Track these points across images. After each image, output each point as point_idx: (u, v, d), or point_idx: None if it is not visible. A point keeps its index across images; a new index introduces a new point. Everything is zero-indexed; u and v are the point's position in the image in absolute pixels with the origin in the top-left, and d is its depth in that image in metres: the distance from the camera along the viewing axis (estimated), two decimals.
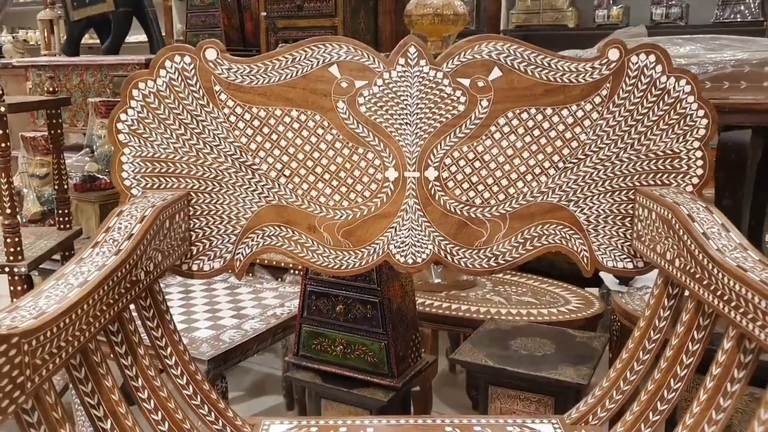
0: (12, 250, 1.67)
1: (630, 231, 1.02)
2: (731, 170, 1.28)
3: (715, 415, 0.78)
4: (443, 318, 1.73)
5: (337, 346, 1.45)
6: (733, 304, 0.74)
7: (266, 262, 2.11)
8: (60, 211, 2.01)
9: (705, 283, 0.80)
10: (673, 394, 0.88)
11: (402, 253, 1.05)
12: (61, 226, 2.01)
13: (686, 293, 0.90)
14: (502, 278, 1.98)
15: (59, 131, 1.96)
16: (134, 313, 0.88)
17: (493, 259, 1.04)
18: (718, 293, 0.77)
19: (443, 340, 2.23)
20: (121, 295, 0.79)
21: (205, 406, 0.97)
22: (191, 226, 1.03)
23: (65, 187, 2.01)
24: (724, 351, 0.78)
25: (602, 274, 1.86)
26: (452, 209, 1.03)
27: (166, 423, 0.86)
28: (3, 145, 1.63)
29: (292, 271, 2.06)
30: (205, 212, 1.03)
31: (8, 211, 1.67)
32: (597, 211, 1.02)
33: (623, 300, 1.53)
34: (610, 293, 1.77)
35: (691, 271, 0.84)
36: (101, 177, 2.80)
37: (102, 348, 0.79)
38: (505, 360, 1.27)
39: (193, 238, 1.04)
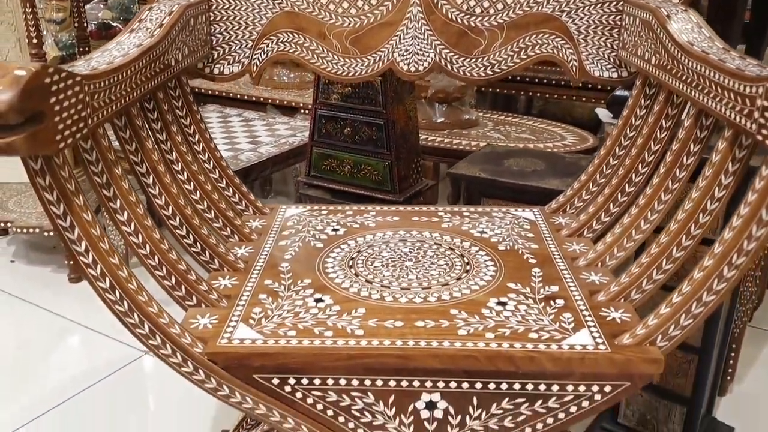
0: None
1: (617, 41, 1.10)
2: None
3: (671, 184, 0.90)
4: (445, 151, 1.85)
5: (345, 166, 1.58)
6: (694, 84, 0.84)
7: (278, 102, 2.21)
8: (81, 49, 2.08)
9: (674, 72, 0.89)
10: (640, 177, 1.00)
11: (405, 61, 1.14)
12: None
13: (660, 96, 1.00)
14: (503, 119, 2.08)
15: None
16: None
17: (489, 67, 1.14)
18: (684, 77, 0.86)
19: (444, 185, 2.37)
20: (156, 73, 0.90)
21: (230, 189, 1.10)
22: (212, 30, 1.12)
23: (85, 25, 2.07)
24: (684, 128, 0.89)
25: (598, 110, 1.94)
26: (453, 18, 1.11)
27: (198, 192, 1.00)
28: None
29: (302, 111, 2.16)
30: (224, 18, 1.12)
31: (35, 41, 1.75)
32: (587, 21, 1.10)
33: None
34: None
35: (664, 64, 0.93)
36: (115, 24, 2.84)
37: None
38: (497, 173, 1.40)
39: (213, 42, 1.13)
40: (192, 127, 1.05)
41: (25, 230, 2.08)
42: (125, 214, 0.79)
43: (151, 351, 0.74)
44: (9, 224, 2.11)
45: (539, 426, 0.76)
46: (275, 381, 0.76)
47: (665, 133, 0.97)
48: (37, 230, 2.07)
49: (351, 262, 0.95)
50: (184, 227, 0.91)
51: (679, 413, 1.34)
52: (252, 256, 0.98)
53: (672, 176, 0.89)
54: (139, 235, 0.80)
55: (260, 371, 0.75)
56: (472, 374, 0.74)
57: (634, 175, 1.00)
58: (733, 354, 1.56)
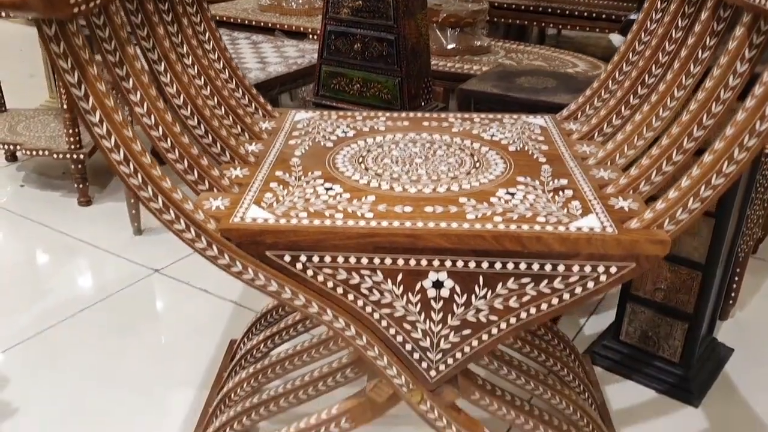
0: None
1: None
2: None
3: (685, 80, 0.89)
4: (455, 76, 1.83)
5: (355, 84, 1.57)
6: None
7: (286, 27, 2.18)
8: None
9: None
10: (654, 79, 0.99)
11: None
12: None
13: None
14: (515, 47, 2.05)
15: None
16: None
17: None
18: None
19: None
20: None
21: (240, 90, 1.10)
22: None
23: None
24: (700, 21, 0.88)
25: (611, 36, 1.92)
26: None
27: (208, 88, 1.00)
28: None
29: (310, 36, 2.14)
30: None
31: None
32: None
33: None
34: None
35: None
36: None
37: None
38: (509, 89, 1.39)
39: None
40: (202, 25, 1.04)
41: (34, 152, 2.09)
42: (138, 94, 0.80)
43: (165, 225, 0.76)
44: (19, 146, 2.12)
45: (543, 306, 0.78)
46: (287, 258, 0.77)
47: (680, 33, 0.96)
48: (46, 152, 2.08)
49: (361, 159, 0.95)
50: (195, 117, 0.91)
51: (681, 330, 1.36)
52: (262, 152, 0.98)
53: (686, 71, 0.89)
54: (152, 116, 0.80)
55: (272, 248, 0.77)
56: (479, 253, 0.75)
57: (647, 76, 0.99)
58: (736, 278, 1.57)
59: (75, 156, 2.05)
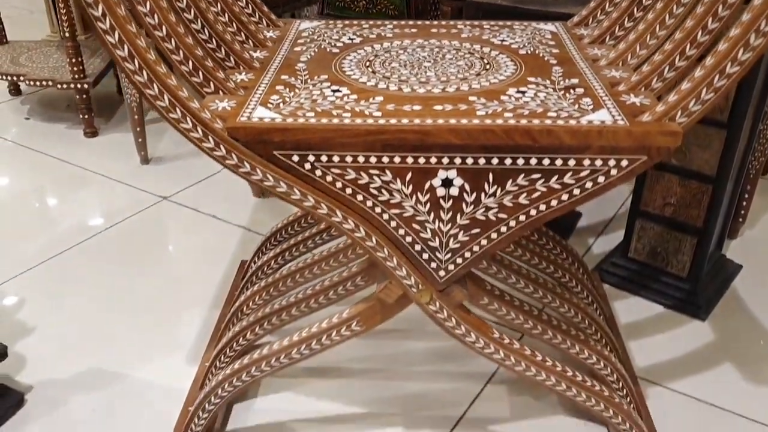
0: None
1: None
2: None
3: None
4: None
5: (360, 0, 1.53)
6: None
7: None
8: None
9: None
10: None
11: None
12: None
13: None
14: None
15: None
16: None
17: None
18: None
19: None
20: None
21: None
22: None
23: None
24: None
25: None
26: None
27: None
28: None
29: None
30: None
31: None
32: None
33: None
34: None
35: None
36: None
37: None
38: (518, 1, 1.35)
39: None
40: None
41: (38, 83, 2.07)
42: None
43: (172, 125, 0.75)
44: (22, 77, 2.09)
45: (554, 203, 0.77)
46: (295, 158, 0.77)
47: None
48: (50, 83, 2.05)
49: (368, 63, 0.94)
50: (198, 21, 0.89)
51: (690, 245, 1.36)
52: (267, 58, 0.97)
53: None
54: (155, 16, 0.78)
55: (280, 147, 0.76)
56: (489, 149, 0.75)
57: None
58: (746, 196, 1.56)
59: (79, 86, 2.03)
